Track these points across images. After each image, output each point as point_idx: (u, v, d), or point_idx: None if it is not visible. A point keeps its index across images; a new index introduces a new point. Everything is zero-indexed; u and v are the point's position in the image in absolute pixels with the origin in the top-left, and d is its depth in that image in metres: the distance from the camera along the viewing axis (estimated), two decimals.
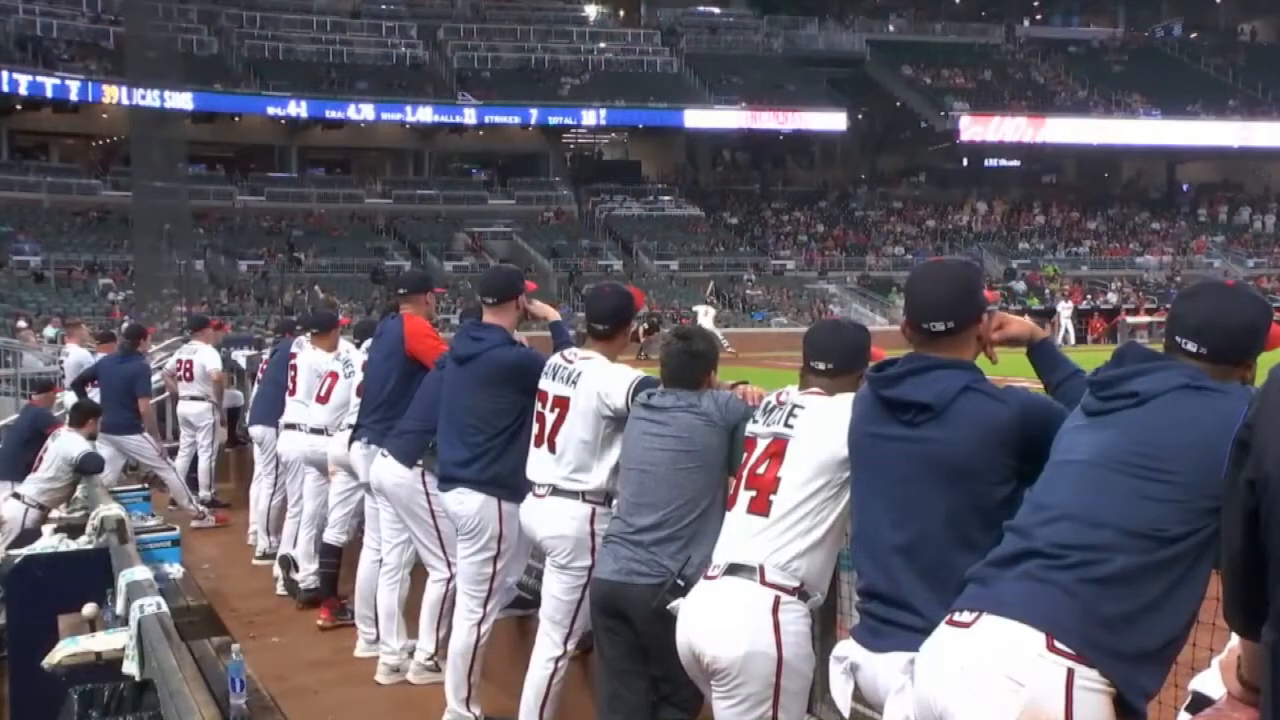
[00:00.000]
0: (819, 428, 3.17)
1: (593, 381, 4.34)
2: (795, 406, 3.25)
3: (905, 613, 2.69)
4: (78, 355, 13.59)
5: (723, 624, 3.18)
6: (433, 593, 5.59)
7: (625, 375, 4.27)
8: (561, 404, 4.44)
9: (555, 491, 4.41)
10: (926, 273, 3.01)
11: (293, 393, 8.15)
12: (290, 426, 8.04)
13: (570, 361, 4.50)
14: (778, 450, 3.21)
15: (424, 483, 5.48)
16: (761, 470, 3.23)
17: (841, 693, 2.84)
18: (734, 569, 3.18)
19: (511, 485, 4.81)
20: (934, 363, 2.77)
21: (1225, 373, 2.41)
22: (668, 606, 3.44)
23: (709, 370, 3.86)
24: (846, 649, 2.84)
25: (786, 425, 3.23)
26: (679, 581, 3.58)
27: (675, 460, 3.72)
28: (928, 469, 2.71)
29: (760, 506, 3.20)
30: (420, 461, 5.50)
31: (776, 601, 3.12)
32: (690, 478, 3.70)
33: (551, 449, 4.45)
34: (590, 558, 4.28)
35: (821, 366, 3.30)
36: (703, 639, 3.21)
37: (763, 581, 3.13)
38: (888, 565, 2.75)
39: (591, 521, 4.33)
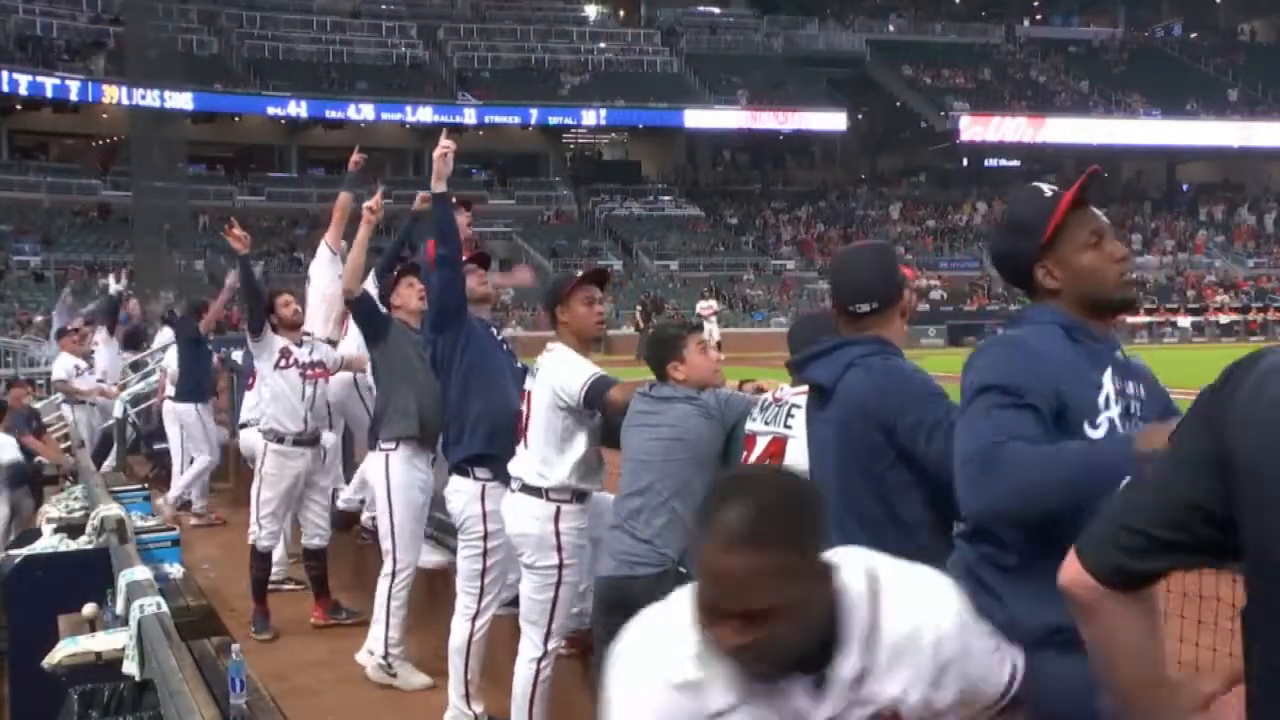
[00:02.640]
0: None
1: (548, 374, 4.39)
2: (793, 406, 3.25)
3: None
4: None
5: None
6: (380, 587, 5.66)
7: (582, 370, 4.30)
8: (528, 399, 4.50)
9: (523, 488, 4.45)
10: (847, 257, 2.99)
11: (249, 388, 8.33)
12: (243, 425, 8.23)
13: (542, 358, 4.57)
14: (777, 450, 3.21)
15: (386, 464, 5.57)
16: None
17: None
18: None
19: (485, 466, 4.90)
20: (841, 342, 2.76)
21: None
22: None
23: (670, 352, 3.87)
24: None
25: (785, 425, 3.23)
26: (680, 569, 3.59)
27: (668, 450, 3.73)
28: (833, 450, 2.72)
29: None
30: (382, 445, 5.64)
31: None
32: (681, 468, 3.71)
33: (526, 444, 4.50)
34: (556, 556, 4.33)
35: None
36: None
37: None
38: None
39: (555, 521, 4.35)
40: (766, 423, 3.30)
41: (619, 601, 3.80)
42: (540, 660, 4.43)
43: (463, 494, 4.97)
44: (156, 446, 12.83)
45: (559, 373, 4.35)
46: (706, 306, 30.41)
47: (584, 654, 4.49)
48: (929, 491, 2.61)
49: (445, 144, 4.96)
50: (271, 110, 43.27)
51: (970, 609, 1.85)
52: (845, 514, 2.70)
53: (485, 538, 4.91)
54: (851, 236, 47.52)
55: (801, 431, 3.20)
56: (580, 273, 4.62)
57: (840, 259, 2.96)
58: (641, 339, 28.82)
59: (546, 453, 4.39)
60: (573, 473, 4.36)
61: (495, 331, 5.21)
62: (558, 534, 4.35)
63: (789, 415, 3.25)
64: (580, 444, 4.36)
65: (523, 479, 4.45)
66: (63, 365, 13.04)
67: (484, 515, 4.87)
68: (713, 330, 30.70)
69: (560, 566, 4.36)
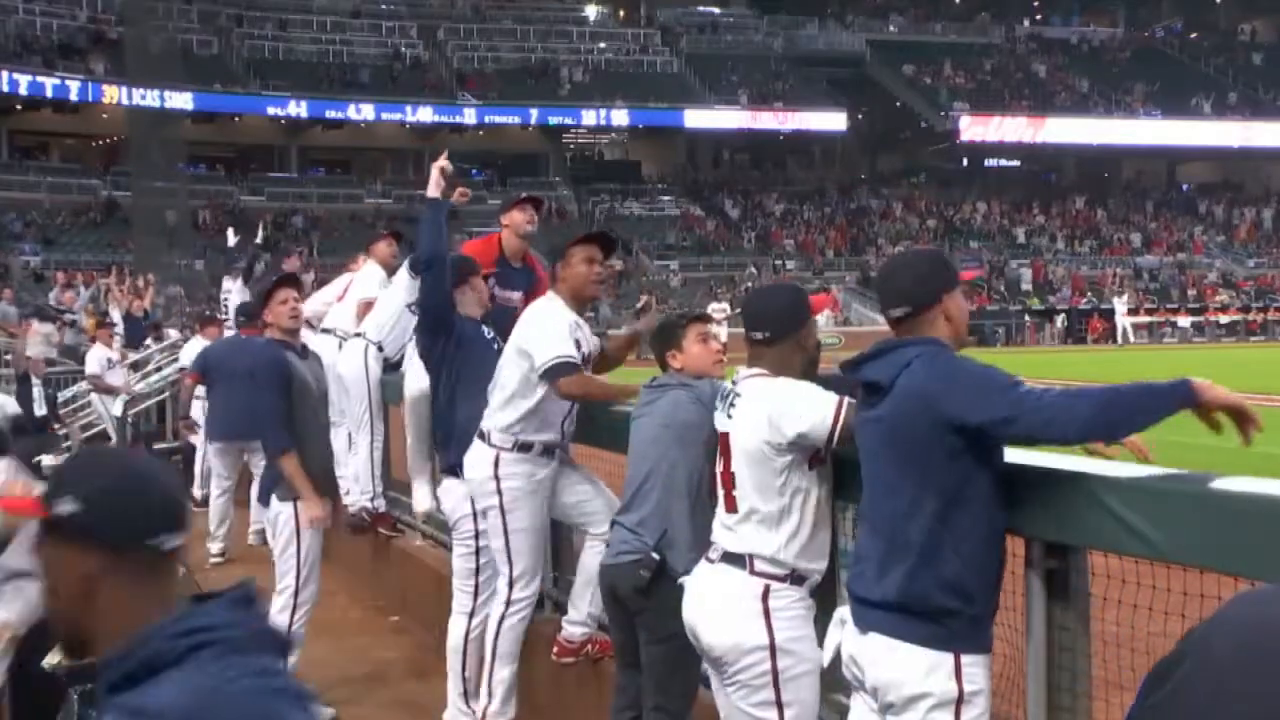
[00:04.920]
0: (751, 416, 3.17)
1: (525, 322, 4.51)
2: (735, 395, 3.26)
3: (882, 589, 2.71)
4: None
5: (715, 612, 3.21)
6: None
7: (556, 344, 4.35)
8: None
9: (481, 436, 4.65)
10: (890, 263, 3.09)
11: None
12: None
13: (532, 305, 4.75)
14: (726, 445, 3.24)
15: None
16: (721, 468, 3.27)
17: (829, 644, 2.91)
18: (727, 556, 3.22)
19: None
20: (898, 343, 2.80)
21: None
22: (679, 581, 3.46)
23: (669, 342, 3.89)
24: (845, 613, 2.89)
25: (728, 416, 3.25)
26: (654, 555, 3.64)
27: (658, 436, 3.75)
28: (886, 447, 2.74)
29: (730, 504, 3.23)
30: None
31: (766, 590, 3.14)
32: (667, 453, 3.72)
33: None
34: (496, 499, 4.52)
35: (759, 336, 3.30)
36: (700, 625, 3.25)
37: (752, 571, 3.15)
38: (873, 541, 2.79)
39: (495, 465, 4.50)
40: (729, 415, 3.30)
41: (609, 588, 3.88)
42: (506, 605, 4.64)
43: (453, 494, 4.98)
44: (157, 446, 12.85)
45: (534, 328, 4.43)
46: (719, 309, 29.83)
47: (579, 650, 4.61)
48: (989, 493, 2.65)
49: (444, 160, 5.24)
50: (271, 110, 43.19)
51: None
52: (900, 516, 2.70)
53: (477, 536, 4.92)
54: (853, 236, 47.51)
55: (739, 422, 3.20)
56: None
57: (885, 267, 3.06)
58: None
59: (500, 398, 4.52)
60: (520, 421, 4.46)
61: (488, 332, 5.19)
62: (497, 479, 4.48)
63: (732, 404, 3.26)
64: (535, 396, 4.44)
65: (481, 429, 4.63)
66: (95, 358, 13.03)
67: (474, 514, 4.88)
68: (719, 332, 30.45)
69: (503, 511, 4.51)
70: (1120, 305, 38.82)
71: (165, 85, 36.69)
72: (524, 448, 4.49)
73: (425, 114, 44.93)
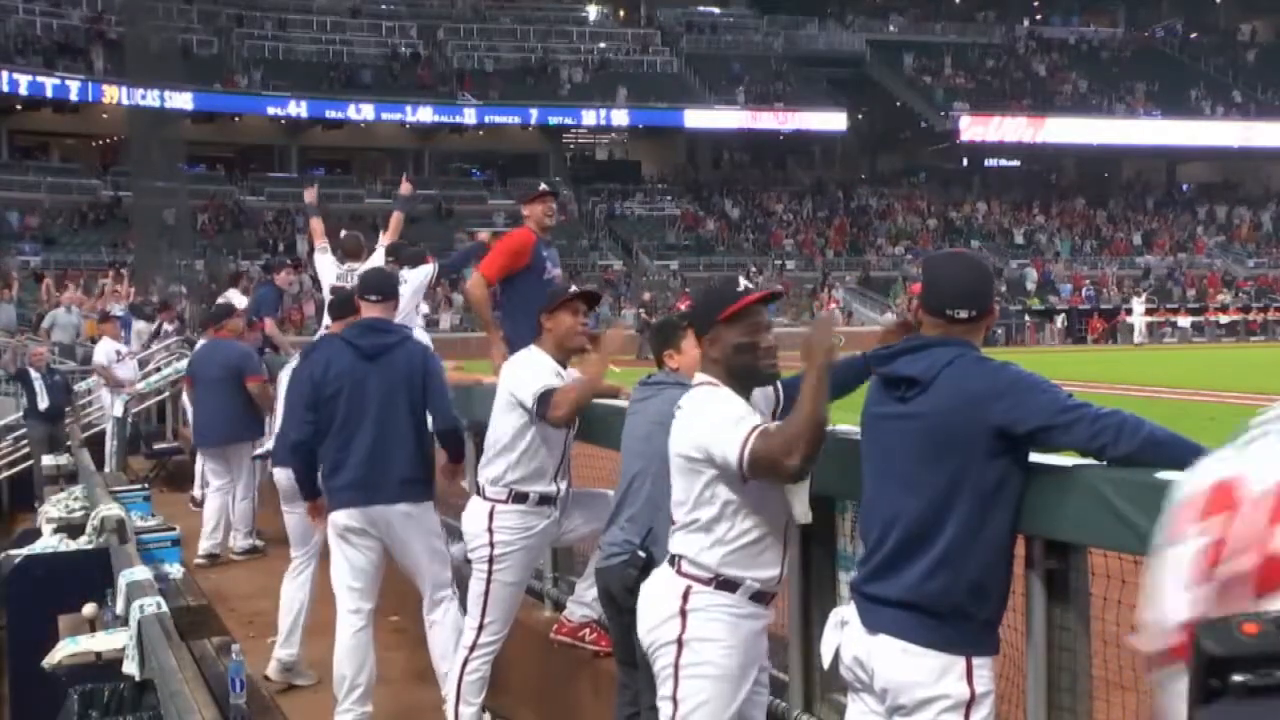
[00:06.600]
0: (677, 426, 3.19)
1: (508, 374, 4.61)
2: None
3: (896, 588, 2.70)
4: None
5: (644, 607, 3.25)
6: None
7: (539, 378, 4.43)
8: None
9: (475, 489, 4.70)
10: (945, 263, 2.98)
11: None
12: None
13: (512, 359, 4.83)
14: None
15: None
16: None
17: (828, 644, 2.89)
18: (669, 557, 3.24)
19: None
20: (930, 341, 2.77)
21: None
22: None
23: (667, 342, 3.89)
24: (847, 613, 2.86)
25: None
26: (640, 553, 3.65)
27: (651, 434, 3.74)
28: (917, 444, 2.70)
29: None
30: None
31: (687, 590, 3.13)
32: (660, 450, 3.69)
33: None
34: (488, 551, 4.53)
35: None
36: (638, 620, 3.29)
37: (679, 572, 3.16)
38: (884, 540, 2.75)
39: (490, 518, 4.54)
40: None
41: (603, 589, 3.89)
42: (470, 649, 4.62)
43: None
44: (157, 446, 12.87)
45: (517, 374, 4.50)
46: None
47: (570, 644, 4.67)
48: (1018, 497, 2.66)
49: None
50: (271, 110, 43.22)
51: None
52: (921, 514, 2.69)
53: (491, 561, 4.92)
54: (853, 236, 47.51)
55: (672, 432, 3.21)
56: (575, 288, 4.71)
57: (938, 264, 2.96)
58: (642, 339, 28.87)
59: (492, 450, 4.57)
60: (511, 468, 4.49)
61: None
62: (490, 531, 4.51)
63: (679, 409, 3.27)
64: (523, 443, 4.48)
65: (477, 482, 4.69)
66: (103, 350, 13.04)
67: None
68: None
69: (490, 561, 4.52)
70: (1139, 305, 39.07)
71: (165, 85, 36.64)
72: (519, 498, 4.52)
73: (425, 114, 44.94)
